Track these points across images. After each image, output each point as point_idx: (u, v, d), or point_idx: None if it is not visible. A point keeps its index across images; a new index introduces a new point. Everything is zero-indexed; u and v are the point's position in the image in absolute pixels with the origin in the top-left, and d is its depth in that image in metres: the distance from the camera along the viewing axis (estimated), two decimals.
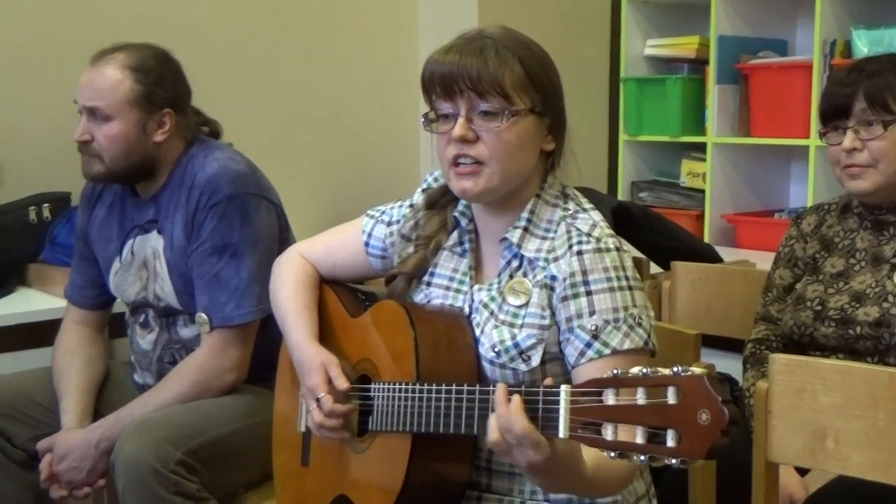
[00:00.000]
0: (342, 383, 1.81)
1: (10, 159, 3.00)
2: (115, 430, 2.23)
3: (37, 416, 2.41)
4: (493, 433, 1.47)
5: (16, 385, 2.44)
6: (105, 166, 2.33)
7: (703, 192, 3.90)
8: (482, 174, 1.69)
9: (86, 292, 2.54)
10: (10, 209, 2.93)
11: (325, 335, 1.96)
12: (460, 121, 1.68)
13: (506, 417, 1.45)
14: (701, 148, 3.89)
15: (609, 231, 1.72)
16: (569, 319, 1.67)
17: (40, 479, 2.31)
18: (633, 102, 4.00)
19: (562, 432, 1.41)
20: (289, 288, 1.99)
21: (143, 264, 2.41)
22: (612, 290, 1.66)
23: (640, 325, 1.66)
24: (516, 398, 1.46)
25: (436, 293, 1.85)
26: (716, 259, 2.98)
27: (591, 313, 1.65)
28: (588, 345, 1.65)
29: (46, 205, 2.94)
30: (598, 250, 1.68)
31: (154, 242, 2.39)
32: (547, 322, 1.69)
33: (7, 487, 2.35)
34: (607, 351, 1.64)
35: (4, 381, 2.45)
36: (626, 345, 1.64)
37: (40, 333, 2.64)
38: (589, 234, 1.69)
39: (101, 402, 2.46)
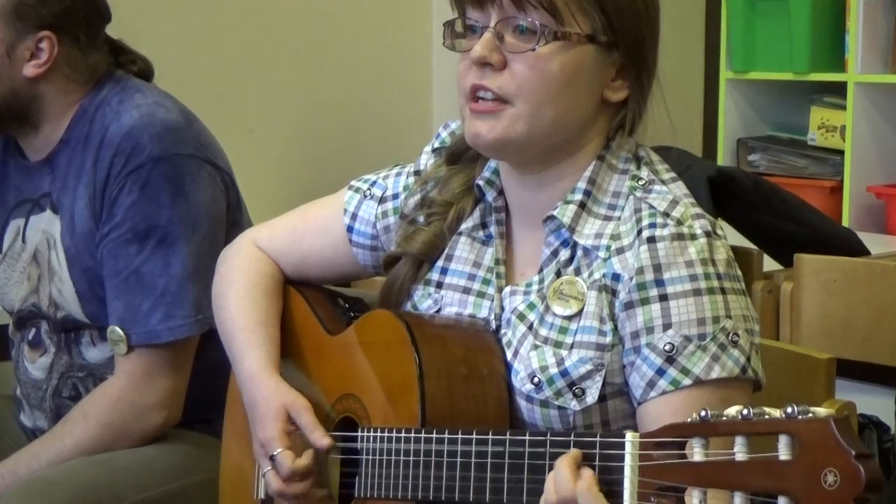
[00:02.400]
0: (319, 438, 1.81)
1: None
2: None
3: None
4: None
5: None
6: None
7: (840, 153, 3.89)
8: (502, 116, 1.70)
9: None
10: None
11: (292, 362, 1.96)
12: (486, 35, 1.70)
13: (567, 488, 1.46)
14: (839, 90, 3.87)
15: (696, 210, 1.72)
16: (634, 335, 1.67)
17: None
18: (739, 26, 3.99)
19: (627, 501, 1.42)
20: (238, 294, 2.00)
21: (34, 257, 2.42)
22: (696, 293, 1.66)
23: (735, 343, 1.66)
24: (574, 455, 1.48)
25: (449, 298, 1.85)
26: (859, 250, 2.98)
27: (666, 326, 1.65)
28: (660, 371, 1.65)
29: None
30: (679, 237, 1.67)
31: (48, 225, 2.40)
32: (608, 340, 1.69)
33: None
34: (687, 381, 1.64)
35: None
36: (715, 373, 1.64)
37: None
38: (666, 215, 1.69)
39: None
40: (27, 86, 2.35)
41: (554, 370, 1.70)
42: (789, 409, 1.28)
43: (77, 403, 2.36)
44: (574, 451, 1.48)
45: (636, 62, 1.74)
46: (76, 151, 2.36)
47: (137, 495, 2.22)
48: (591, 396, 1.69)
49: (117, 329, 2.30)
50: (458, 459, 1.63)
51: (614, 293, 1.69)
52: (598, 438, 1.46)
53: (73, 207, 2.35)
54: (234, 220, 2.41)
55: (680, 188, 1.76)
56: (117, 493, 2.20)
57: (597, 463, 1.45)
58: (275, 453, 1.81)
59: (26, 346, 2.47)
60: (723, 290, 1.66)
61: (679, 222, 1.68)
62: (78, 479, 2.19)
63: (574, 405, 1.69)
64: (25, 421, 2.51)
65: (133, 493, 2.22)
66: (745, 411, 1.31)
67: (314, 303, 2.00)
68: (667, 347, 1.64)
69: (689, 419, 1.36)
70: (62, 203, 2.37)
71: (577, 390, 1.69)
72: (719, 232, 1.71)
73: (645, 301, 1.66)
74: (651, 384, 1.65)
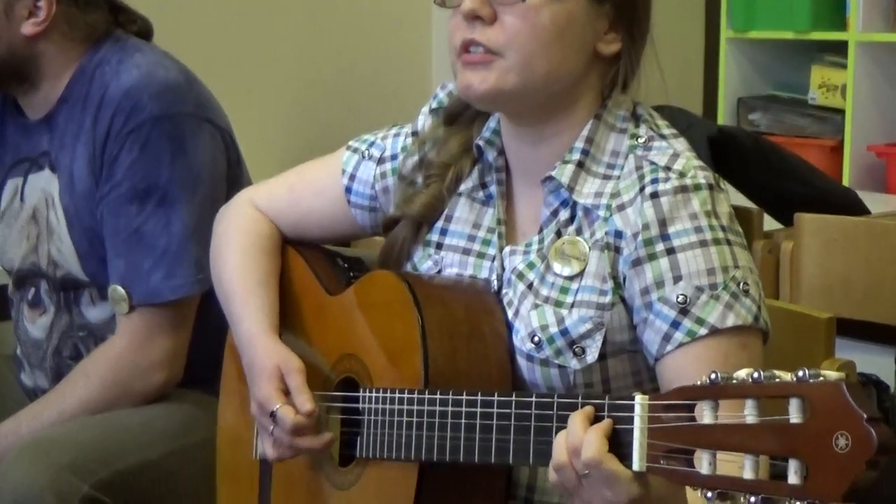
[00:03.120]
0: (303, 403, 1.80)
1: None
2: None
3: None
4: (554, 468, 1.49)
5: None
6: None
7: (841, 112, 3.88)
8: (493, 67, 1.70)
9: None
10: None
11: (291, 323, 1.96)
12: None
13: (577, 438, 1.46)
14: (840, 49, 3.87)
15: (698, 162, 1.72)
16: (644, 291, 1.67)
17: None
18: None
19: (636, 463, 1.42)
20: (236, 253, 2.00)
21: (33, 216, 2.41)
22: (703, 244, 1.65)
23: (746, 293, 1.65)
24: (587, 411, 1.48)
25: (450, 259, 1.84)
26: (859, 209, 2.98)
27: (677, 279, 1.65)
28: (675, 324, 1.65)
29: None
30: (683, 189, 1.67)
31: (46, 184, 2.39)
32: (609, 299, 1.69)
33: None
34: (703, 330, 1.64)
35: None
36: (731, 320, 1.64)
37: None
38: (668, 168, 1.69)
39: None
40: (25, 44, 2.34)
41: (554, 329, 1.70)
42: (800, 373, 1.28)
43: (78, 363, 2.36)
44: (587, 409, 1.48)
45: (628, 14, 1.74)
46: (75, 110, 2.35)
47: (139, 454, 2.22)
48: (592, 355, 1.69)
49: (118, 288, 2.30)
50: (463, 421, 1.63)
51: (618, 250, 1.69)
52: (606, 401, 1.46)
53: (71, 166, 2.34)
54: (234, 179, 2.40)
55: (681, 143, 1.76)
56: (119, 452, 2.20)
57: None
58: (274, 409, 1.81)
59: (26, 305, 2.47)
60: (728, 242, 1.67)
61: (681, 174, 1.68)
62: (80, 438, 2.19)
63: (574, 364, 1.69)
64: (26, 381, 2.51)
65: (135, 453, 2.22)
66: (755, 374, 1.31)
67: (313, 262, 2.00)
68: (679, 299, 1.64)
69: (698, 381, 1.36)
70: (60, 162, 2.36)
71: (577, 349, 1.69)
72: (721, 185, 1.71)
73: (652, 257, 1.66)
74: (667, 338, 1.65)
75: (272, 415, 1.81)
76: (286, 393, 1.82)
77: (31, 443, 2.18)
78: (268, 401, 1.82)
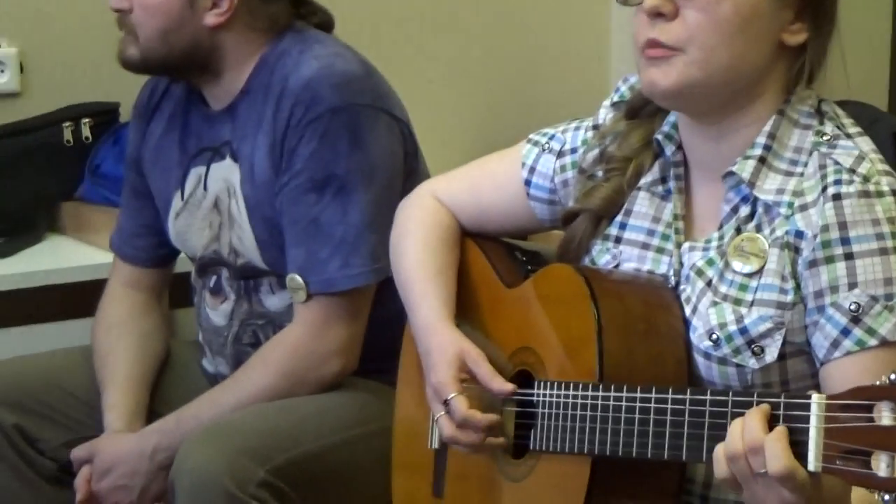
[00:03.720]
0: (502, 384, 1.82)
1: (36, 53, 3.07)
2: (177, 437, 2.29)
3: (72, 413, 2.49)
4: (726, 458, 1.48)
5: (44, 371, 2.53)
6: (139, 49, 2.39)
7: None
8: (676, 62, 1.68)
9: (139, 242, 2.61)
10: (37, 126, 3.00)
11: (468, 314, 1.97)
12: None
13: (755, 435, 1.45)
14: None
15: (884, 167, 1.69)
16: (818, 294, 1.65)
17: (76, 500, 2.39)
18: None
19: (812, 463, 1.41)
20: (416, 244, 2.01)
21: (215, 205, 2.46)
22: (883, 252, 1.63)
23: None
24: (764, 409, 1.47)
25: (628, 254, 1.84)
26: None
27: (852, 286, 1.63)
28: (845, 331, 1.63)
29: (86, 120, 3.02)
30: (866, 194, 1.64)
31: (228, 173, 2.43)
32: (790, 298, 1.67)
33: None
34: (873, 342, 1.62)
35: (29, 366, 2.54)
36: None
37: (77, 299, 2.72)
38: (852, 171, 1.66)
39: (159, 397, 2.53)
40: (208, 35, 2.38)
41: (733, 327, 1.69)
42: None
43: (257, 350, 2.40)
44: (764, 406, 1.47)
45: (814, 3, 1.72)
46: (256, 101, 2.38)
47: (316, 442, 2.25)
48: (771, 355, 1.67)
49: (296, 277, 2.33)
50: (637, 415, 1.63)
51: (797, 251, 1.67)
52: (782, 399, 1.45)
53: (252, 156, 2.38)
54: (411, 170, 2.42)
55: (866, 143, 1.73)
56: (296, 439, 2.23)
57: (781, 424, 1.44)
58: (449, 397, 1.82)
59: (207, 293, 2.51)
60: None
61: (865, 179, 1.66)
62: (258, 425, 2.23)
63: (753, 363, 1.68)
64: (207, 366, 2.56)
65: (312, 440, 2.25)
66: None
67: (492, 255, 2.01)
68: (852, 307, 1.62)
69: (878, 381, 1.35)
70: (242, 152, 2.40)
71: (755, 348, 1.68)
72: None
73: (830, 259, 1.64)
74: (835, 344, 1.63)
75: (445, 402, 1.83)
76: (463, 381, 1.84)
77: (210, 428, 2.23)
78: (444, 387, 1.84)
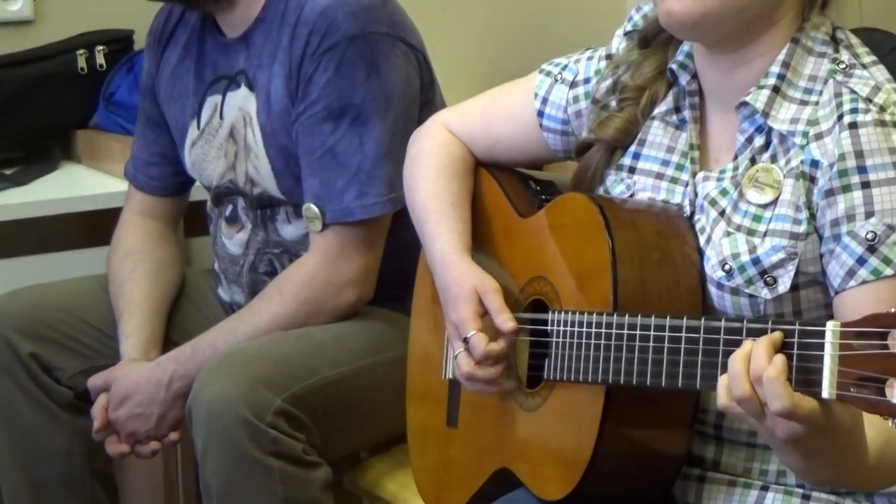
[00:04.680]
0: (505, 321, 1.83)
1: None
2: (193, 366, 2.32)
3: (88, 341, 2.51)
4: (730, 392, 1.47)
5: (60, 299, 2.54)
6: None
7: None
8: None
9: (154, 171, 2.61)
10: (50, 53, 3.00)
11: (482, 244, 1.98)
12: None
13: (759, 365, 1.45)
14: None
15: None
16: (834, 223, 1.65)
17: (93, 428, 2.41)
18: None
19: (826, 391, 1.40)
20: (430, 175, 2.02)
21: (230, 134, 2.46)
22: None
23: None
24: (774, 337, 1.46)
25: (642, 184, 1.84)
26: None
27: (868, 214, 1.62)
28: (861, 260, 1.63)
29: (101, 48, 3.01)
30: (882, 123, 1.64)
31: (244, 102, 2.43)
32: (803, 228, 1.67)
33: (48, 437, 2.46)
34: (889, 271, 1.62)
35: (45, 295, 2.55)
36: None
37: (92, 228, 2.74)
38: (869, 101, 1.66)
39: (175, 325, 2.55)
40: None
41: (746, 257, 1.69)
42: None
43: (273, 279, 2.40)
44: (775, 334, 1.46)
45: None
46: (272, 29, 2.38)
47: (332, 370, 2.27)
48: (784, 285, 1.67)
49: (312, 206, 2.33)
50: (651, 344, 1.63)
51: (813, 180, 1.67)
52: (797, 326, 1.44)
53: (268, 85, 2.38)
54: (427, 99, 2.42)
55: (882, 73, 1.72)
56: (312, 367, 2.25)
57: (795, 351, 1.43)
58: (468, 335, 1.83)
59: (223, 221, 2.52)
60: None
61: (882, 109, 1.65)
62: (275, 353, 2.25)
63: (765, 293, 1.68)
64: (223, 295, 2.57)
65: (327, 368, 2.27)
66: None
67: (506, 185, 2.02)
68: (868, 236, 1.62)
69: (892, 309, 1.34)
70: (258, 80, 2.40)
71: (768, 278, 1.68)
72: None
73: (846, 188, 1.63)
74: (851, 273, 1.63)
75: (465, 340, 1.84)
76: (482, 316, 1.85)
77: (227, 356, 2.24)
78: (464, 324, 1.85)
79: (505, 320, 1.83)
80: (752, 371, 1.45)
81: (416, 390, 2.13)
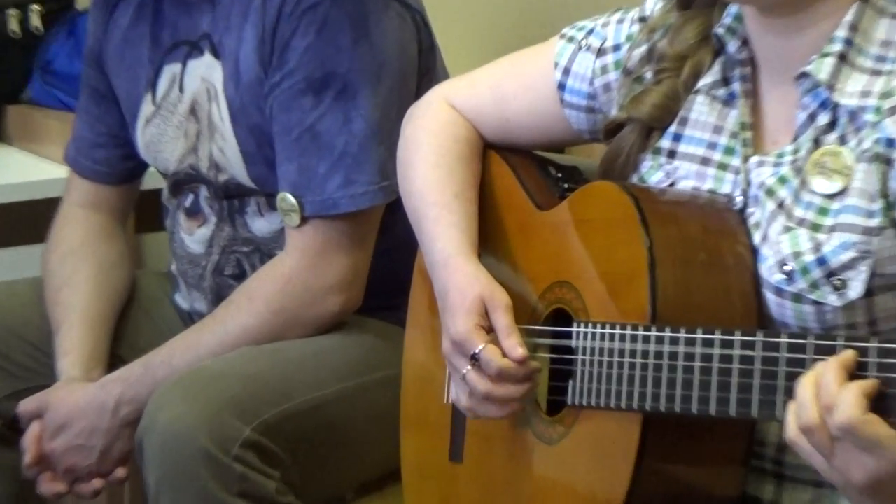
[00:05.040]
0: (514, 347, 1.82)
1: None
2: (145, 388, 2.31)
3: (18, 358, 2.51)
4: (797, 420, 1.47)
5: None
6: None
7: None
8: None
9: (99, 154, 2.61)
10: None
11: (492, 243, 1.98)
12: None
13: (830, 394, 1.44)
14: None
15: None
16: None
17: (23, 462, 2.40)
18: None
19: None
20: (429, 160, 2.02)
21: (192, 110, 2.46)
22: None
23: None
24: (846, 358, 1.45)
25: (685, 170, 1.84)
26: None
27: None
28: None
29: (36, 7, 3.02)
30: None
31: (208, 72, 2.43)
32: (877, 222, 1.67)
33: None
34: None
35: None
36: None
37: (25, 223, 2.75)
38: None
39: (123, 339, 2.55)
40: None
41: (809, 257, 1.68)
42: None
43: (241, 284, 2.40)
44: (847, 353, 1.46)
45: None
46: None
47: (311, 393, 2.27)
48: (855, 290, 1.66)
49: (289, 196, 2.33)
50: (697, 363, 1.63)
51: (889, 163, 1.66)
52: (874, 344, 1.44)
53: (237, 52, 2.38)
54: (426, 69, 2.42)
55: None
56: (286, 390, 2.24)
57: (871, 374, 1.43)
58: (477, 350, 1.83)
59: (183, 214, 2.52)
60: None
61: None
62: (242, 372, 2.25)
63: (833, 300, 1.67)
64: (181, 302, 2.58)
65: (304, 391, 2.26)
66: None
67: (521, 171, 2.02)
68: None
69: None
70: (224, 46, 2.40)
71: (836, 282, 1.67)
72: None
73: None
74: None
75: (473, 357, 1.83)
76: (488, 331, 1.84)
77: (185, 376, 2.23)
78: (468, 339, 1.84)
79: (514, 346, 1.82)
80: (822, 398, 1.45)
81: (412, 418, 2.13)
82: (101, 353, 2.47)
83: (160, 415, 2.17)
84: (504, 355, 1.82)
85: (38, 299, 2.53)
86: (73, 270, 2.53)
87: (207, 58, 2.42)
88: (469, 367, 1.84)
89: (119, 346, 2.52)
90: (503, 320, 1.84)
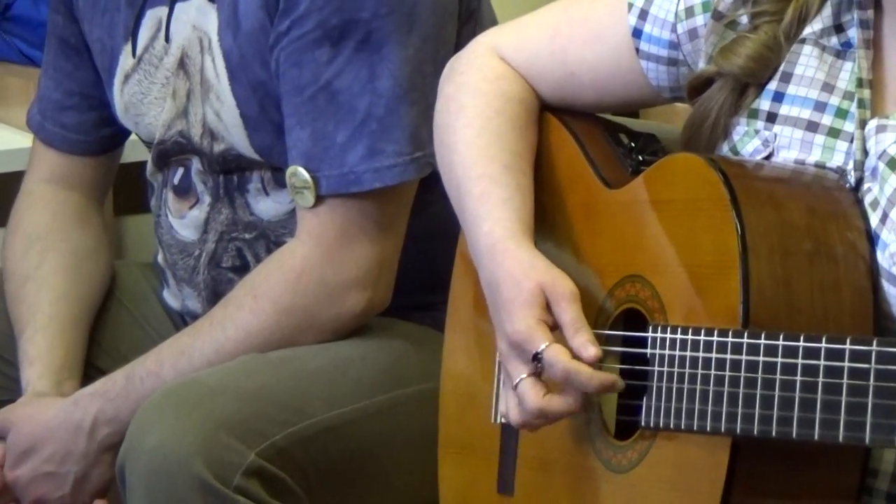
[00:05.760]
0: (585, 344, 1.82)
1: None
2: (127, 404, 2.33)
3: None
4: None
5: None
6: None
7: None
8: None
9: (69, 118, 2.64)
10: None
11: (550, 226, 2.00)
12: None
13: None
14: None
15: None
16: None
17: None
18: None
19: None
20: (474, 125, 2.03)
21: (180, 64, 2.47)
22: None
23: None
24: None
25: (786, 138, 1.85)
26: None
27: None
28: None
29: None
30: None
31: (199, 18, 2.44)
32: None
33: None
34: None
35: None
36: None
37: None
38: None
39: (100, 344, 2.58)
40: None
41: None
42: None
43: (243, 278, 2.42)
44: None
45: None
46: None
47: (329, 411, 2.28)
48: None
49: (300, 170, 2.34)
50: (798, 377, 1.63)
51: None
52: None
53: None
54: (469, 13, 2.43)
55: None
56: (300, 406, 2.26)
57: None
58: (540, 349, 1.83)
59: (171, 193, 2.54)
60: None
61: None
62: (245, 386, 2.26)
63: None
64: (171, 301, 2.60)
65: (320, 408, 2.28)
66: None
67: (585, 140, 2.03)
68: None
69: None
70: None
71: None
72: None
73: None
74: None
75: (535, 357, 1.83)
76: (552, 328, 1.85)
77: (176, 389, 2.25)
78: (529, 337, 1.84)
79: (584, 343, 1.82)
80: None
81: (452, 440, 2.14)
82: (75, 361, 2.50)
83: (146, 437, 2.18)
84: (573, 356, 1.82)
85: None
86: (40, 261, 2.55)
87: (198, 0, 2.43)
88: (524, 376, 1.84)
89: (96, 354, 2.55)
90: (570, 313, 1.84)
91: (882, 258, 1.73)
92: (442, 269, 2.18)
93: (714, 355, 1.71)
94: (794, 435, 1.64)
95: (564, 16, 2.06)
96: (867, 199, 1.77)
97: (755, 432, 1.67)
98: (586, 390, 1.82)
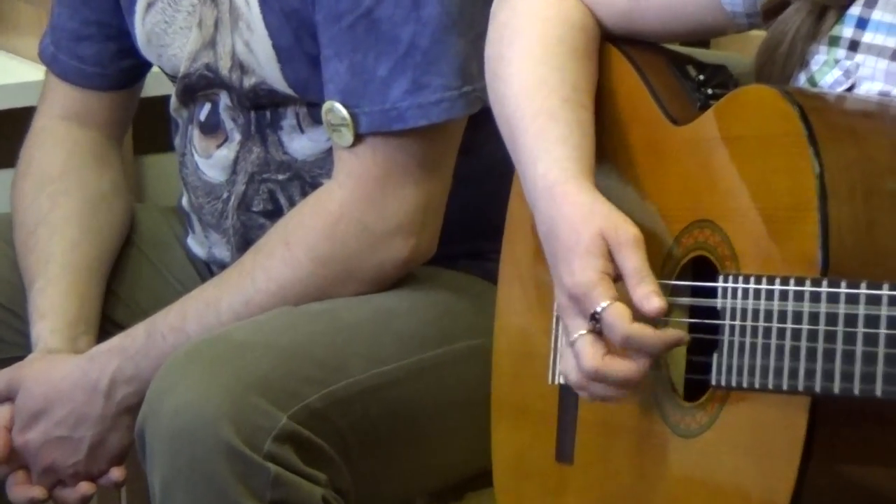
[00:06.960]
0: (649, 296, 1.82)
1: None
2: (148, 362, 2.36)
3: None
4: None
5: None
6: None
7: None
8: None
9: (86, 49, 2.65)
10: None
11: (612, 167, 2.01)
12: None
13: None
14: None
15: None
16: None
17: None
18: None
19: None
20: (531, 55, 2.03)
21: None
22: None
23: None
24: None
25: (870, 68, 1.84)
26: None
27: None
28: None
29: None
30: None
31: None
32: None
33: None
34: None
35: None
36: None
37: None
38: None
39: (118, 296, 2.60)
40: None
41: None
42: None
43: (276, 223, 2.43)
44: None
45: None
46: None
47: (369, 369, 2.29)
48: None
49: (338, 106, 2.34)
50: (882, 329, 1.63)
51: None
52: None
53: None
54: None
55: None
56: (338, 364, 2.27)
57: None
58: (599, 307, 1.83)
59: (197, 130, 2.55)
60: None
61: None
62: (277, 342, 2.27)
63: None
64: (196, 248, 2.62)
65: (360, 367, 2.29)
66: None
67: (650, 72, 2.03)
68: None
69: None
70: None
71: None
72: None
73: None
74: None
75: (594, 316, 1.85)
76: (615, 279, 1.86)
77: (201, 346, 2.26)
78: (588, 292, 1.84)
79: (648, 294, 1.83)
80: None
81: (507, 402, 2.16)
82: (90, 315, 2.51)
83: (168, 398, 2.19)
84: (635, 315, 1.82)
85: (6, 243, 2.58)
86: (52, 205, 2.57)
87: None
88: (583, 332, 1.85)
89: (113, 307, 2.57)
90: (633, 260, 1.84)
91: None
92: (493, 215, 2.19)
93: (790, 307, 1.70)
94: (878, 393, 1.63)
95: None
96: None
97: (836, 390, 1.66)
98: (650, 354, 1.83)
